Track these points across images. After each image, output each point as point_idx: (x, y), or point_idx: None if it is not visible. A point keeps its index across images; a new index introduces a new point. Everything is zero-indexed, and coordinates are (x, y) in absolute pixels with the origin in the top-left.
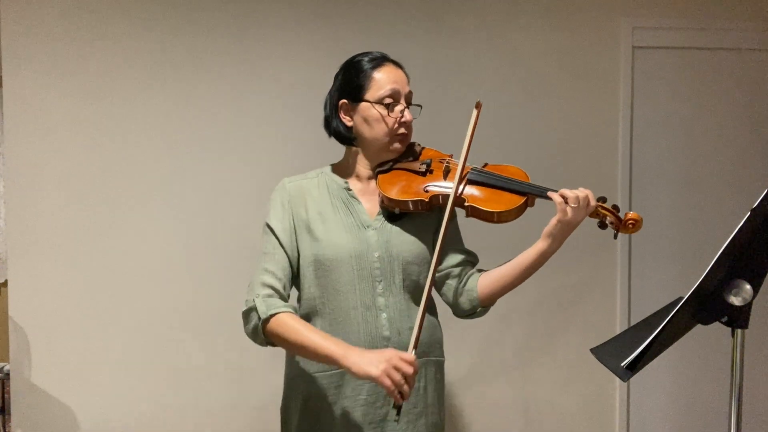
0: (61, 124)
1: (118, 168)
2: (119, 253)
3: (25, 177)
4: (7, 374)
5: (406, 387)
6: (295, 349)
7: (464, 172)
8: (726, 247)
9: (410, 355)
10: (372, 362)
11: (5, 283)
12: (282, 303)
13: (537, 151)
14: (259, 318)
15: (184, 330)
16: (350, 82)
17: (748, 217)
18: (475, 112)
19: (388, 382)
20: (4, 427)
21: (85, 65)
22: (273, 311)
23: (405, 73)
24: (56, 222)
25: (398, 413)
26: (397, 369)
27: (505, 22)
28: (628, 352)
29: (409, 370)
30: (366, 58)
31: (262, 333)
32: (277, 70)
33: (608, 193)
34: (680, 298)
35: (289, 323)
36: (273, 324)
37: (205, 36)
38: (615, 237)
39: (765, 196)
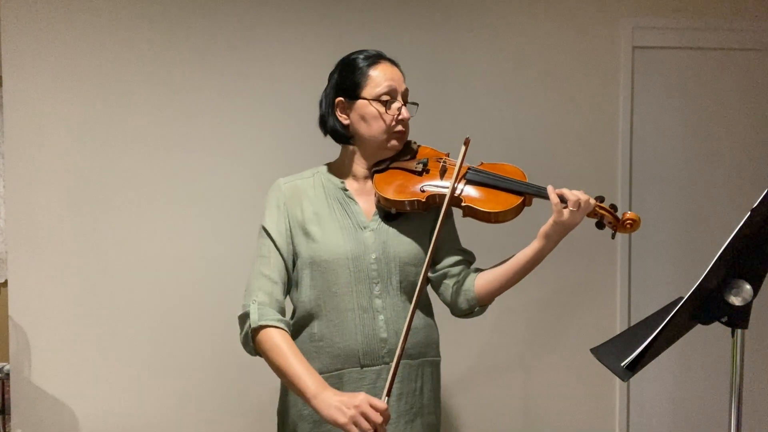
0: (61, 124)
1: (117, 168)
2: (119, 253)
3: (25, 177)
4: (7, 374)
5: None
6: (274, 370)
7: (461, 172)
8: (726, 247)
9: (382, 402)
10: (340, 408)
11: (5, 283)
12: (275, 316)
13: (537, 151)
14: (250, 326)
15: (183, 330)
16: (346, 80)
17: (748, 217)
18: (463, 149)
19: (354, 430)
20: (4, 427)
21: (85, 65)
22: (264, 322)
23: (401, 70)
24: (56, 222)
25: None
26: (365, 417)
27: (505, 23)
28: (628, 352)
29: (378, 419)
30: (361, 56)
31: (252, 341)
32: (275, 71)
33: (608, 192)
34: (680, 298)
35: (276, 341)
36: (262, 336)
37: (205, 37)
38: (613, 237)
39: (765, 196)
